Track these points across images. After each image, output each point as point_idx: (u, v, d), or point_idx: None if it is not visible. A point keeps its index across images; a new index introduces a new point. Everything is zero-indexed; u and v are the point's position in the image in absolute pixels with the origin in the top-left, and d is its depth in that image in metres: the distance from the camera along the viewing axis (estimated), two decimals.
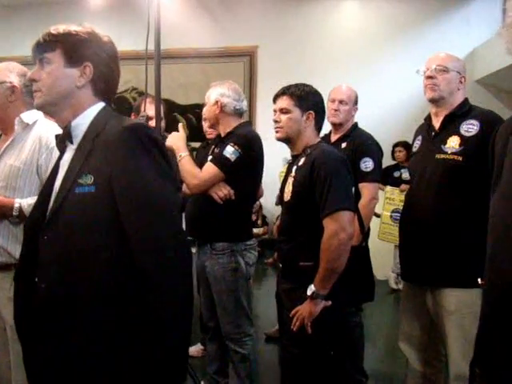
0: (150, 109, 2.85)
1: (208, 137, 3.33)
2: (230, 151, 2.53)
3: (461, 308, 2.14)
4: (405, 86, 5.49)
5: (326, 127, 2.95)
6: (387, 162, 4.94)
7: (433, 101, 2.32)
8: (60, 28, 1.42)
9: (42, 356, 1.36)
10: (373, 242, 3.05)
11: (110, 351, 1.31)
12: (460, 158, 2.18)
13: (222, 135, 2.70)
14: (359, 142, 2.96)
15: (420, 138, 2.46)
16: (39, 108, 1.44)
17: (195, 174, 2.55)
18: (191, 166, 2.58)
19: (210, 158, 2.65)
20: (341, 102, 3.01)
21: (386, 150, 3.61)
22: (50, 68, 1.40)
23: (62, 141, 1.46)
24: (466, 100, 2.32)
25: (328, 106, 2.95)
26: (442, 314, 2.20)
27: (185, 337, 1.36)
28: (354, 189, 2.22)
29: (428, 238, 2.23)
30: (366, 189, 2.86)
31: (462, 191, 2.18)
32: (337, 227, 2.01)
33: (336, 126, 3.07)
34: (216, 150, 2.67)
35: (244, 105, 2.73)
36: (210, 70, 6.07)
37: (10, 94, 2.09)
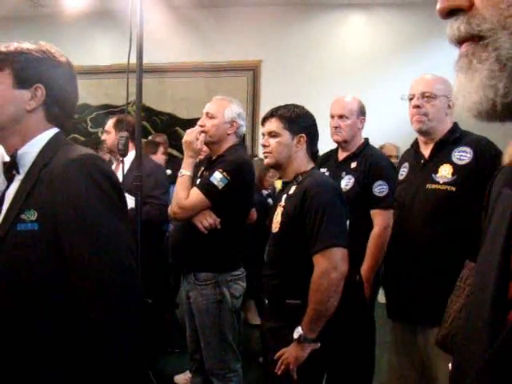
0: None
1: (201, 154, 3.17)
2: (217, 178, 2.36)
3: None
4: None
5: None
6: None
7: (421, 132, 2.17)
8: (11, 46, 1.30)
9: None
10: None
11: None
12: (453, 189, 2.04)
13: (214, 157, 2.54)
14: (372, 163, 2.63)
15: (407, 165, 2.29)
16: None
17: (181, 199, 2.39)
18: (181, 189, 2.42)
19: (198, 180, 2.49)
20: (340, 117, 2.69)
21: None
22: None
23: (9, 170, 1.31)
24: (455, 125, 2.17)
25: (329, 124, 2.74)
26: (433, 355, 2.02)
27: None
28: (351, 219, 2.04)
29: (415, 272, 2.07)
30: (379, 216, 2.55)
31: (454, 223, 2.03)
32: (328, 265, 1.84)
33: (342, 144, 2.76)
34: (205, 173, 2.50)
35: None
36: (213, 85, 5.96)
37: None
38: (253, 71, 5.95)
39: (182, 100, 6.05)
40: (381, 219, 2.55)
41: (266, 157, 2.08)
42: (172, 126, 6.06)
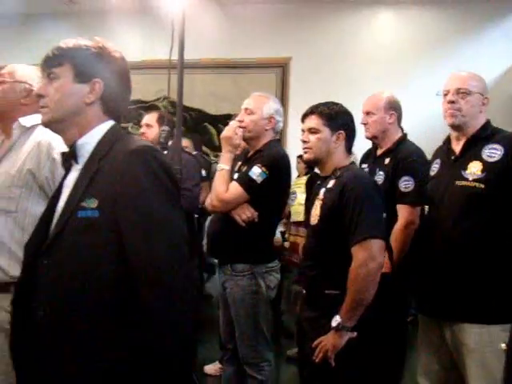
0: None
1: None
2: (256, 172, 2.43)
3: (482, 346, 1.99)
4: (440, 100, 5.31)
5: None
6: None
7: (454, 127, 2.18)
8: (70, 42, 1.37)
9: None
10: None
11: (108, 381, 1.25)
12: (482, 186, 2.03)
13: (252, 152, 2.61)
14: (401, 158, 2.62)
15: (438, 161, 2.30)
16: (45, 125, 1.38)
17: (220, 193, 2.47)
18: (221, 183, 2.49)
19: (235, 175, 2.57)
20: (367, 113, 2.71)
21: None
22: (57, 83, 1.34)
23: (67, 160, 1.39)
24: (488, 122, 2.17)
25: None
26: (462, 351, 2.05)
27: (184, 366, 1.30)
28: (386, 213, 2.09)
29: (446, 268, 2.09)
30: (403, 211, 2.53)
31: (484, 221, 2.03)
32: (366, 256, 1.90)
33: (373, 140, 2.78)
34: (243, 169, 2.57)
35: None
36: (242, 81, 6.00)
37: (24, 96, 2.00)
38: (282, 68, 5.98)
39: (211, 96, 6.11)
40: (404, 214, 2.52)
41: (305, 152, 2.15)
42: (201, 122, 6.13)
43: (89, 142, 1.35)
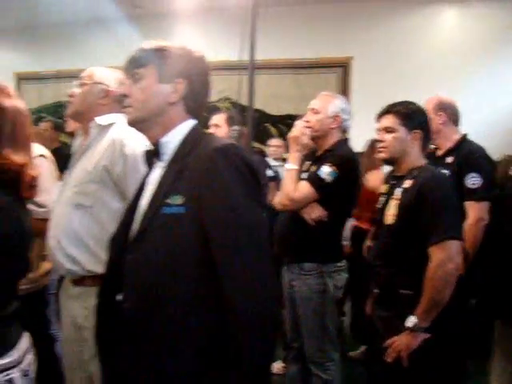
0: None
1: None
2: (326, 172, 2.43)
3: None
4: (507, 99, 5.21)
5: None
6: None
7: None
8: (153, 44, 1.40)
9: (122, 376, 1.34)
10: None
11: (190, 375, 1.26)
12: None
13: (320, 152, 2.61)
14: (466, 155, 2.66)
15: None
16: (130, 124, 1.42)
17: (290, 192, 2.49)
18: (290, 182, 2.52)
19: (303, 175, 2.58)
20: None
21: None
22: (142, 84, 1.37)
23: (151, 158, 1.43)
24: None
25: None
26: None
27: (265, 364, 1.30)
28: None
29: None
30: (472, 208, 2.55)
31: None
32: (444, 257, 1.89)
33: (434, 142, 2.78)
34: (312, 168, 2.58)
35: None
36: (303, 81, 6.01)
37: (102, 97, 2.07)
38: (343, 68, 5.94)
39: (272, 97, 6.13)
40: (473, 212, 2.54)
41: (380, 152, 2.14)
42: (261, 123, 6.16)
43: (172, 141, 1.37)
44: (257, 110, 6.21)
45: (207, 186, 1.24)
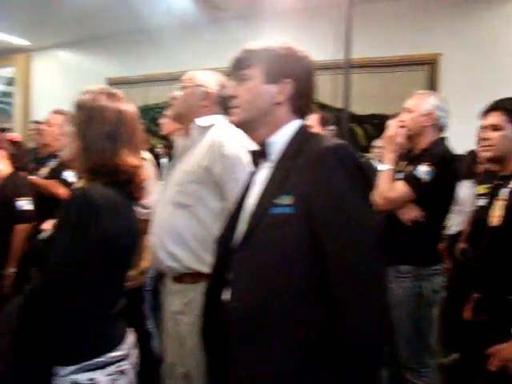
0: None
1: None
2: (424, 171, 2.36)
3: None
4: None
5: None
6: None
7: None
8: (258, 44, 1.40)
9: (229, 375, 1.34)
10: None
11: (295, 376, 1.24)
12: None
13: (416, 151, 2.54)
14: None
15: None
16: (237, 125, 1.43)
17: (385, 191, 2.43)
18: (385, 182, 2.46)
19: (399, 175, 2.51)
20: None
21: None
22: (249, 84, 1.37)
23: (257, 158, 1.44)
24: None
25: None
26: None
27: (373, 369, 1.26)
28: None
29: None
30: None
31: None
32: None
33: None
34: (408, 168, 2.50)
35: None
36: (388, 80, 5.85)
37: (203, 99, 2.12)
38: (431, 65, 5.73)
39: (356, 96, 6.02)
40: None
41: (486, 150, 2.04)
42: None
43: (279, 141, 1.37)
44: (340, 110, 6.16)
45: (318, 186, 1.23)
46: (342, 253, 1.20)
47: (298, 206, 1.24)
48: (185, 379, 2.02)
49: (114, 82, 6.90)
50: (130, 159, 1.51)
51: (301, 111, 1.41)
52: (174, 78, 6.17)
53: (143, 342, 2.35)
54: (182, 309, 2.03)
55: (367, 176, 1.32)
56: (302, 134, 1.37)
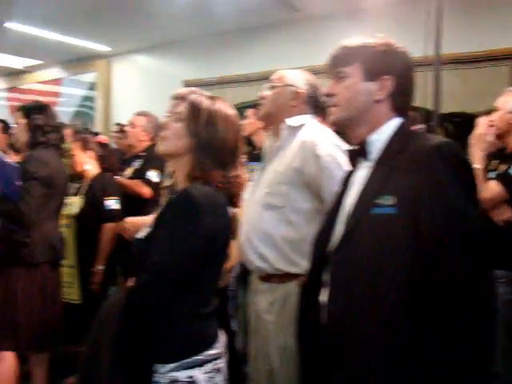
0: None
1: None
2: None
3: None
4: None
5: None
6: None
7: None
8: (356, 41, 1.38)
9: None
10: None
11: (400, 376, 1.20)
12: None
13: (509, 150, 2.44)
14: None
15: None
16: (335, 123, 1.41)
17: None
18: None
19: (491, 174, 2.42)
20: None
21: None
22: (347, 82, 1.36)
23: (355, 157, 1.41)
24: None
25: None
26: None
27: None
28: None
29: None
30: None
31: None
32: None
33: None
34: (501, 167, 2.41)
35: None
36: (470, 77, 5.60)
37: (292, 98, 2.10)
38: None
39: (434, 94, 5.83)
40: None
41: None
42: (425, 121, 5.89)
43: (379, 139, 1.34)
44: (417, 108, 5.97)
45: (423, 184, 1.19)
46: (449, 261, 1.15)
47: (400, 207, 1.20)
48: (269, 378, 2.03)
49: (190, 85, 7.05)
50: (236, 171, 1.56)
51: (401, 108, 1.37)
52: (249, 80, 6.28)
53: (229, 341, 2.40)
54: (268, 307, 2.04)
55: (473, 175, 1.27)
56: (404, 132, 1.34)
